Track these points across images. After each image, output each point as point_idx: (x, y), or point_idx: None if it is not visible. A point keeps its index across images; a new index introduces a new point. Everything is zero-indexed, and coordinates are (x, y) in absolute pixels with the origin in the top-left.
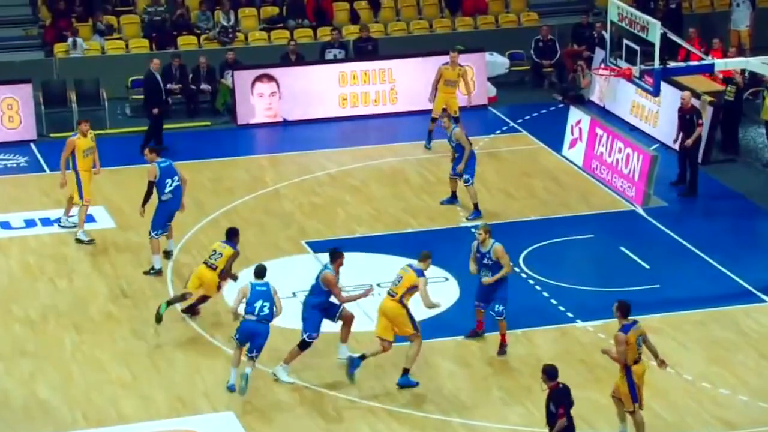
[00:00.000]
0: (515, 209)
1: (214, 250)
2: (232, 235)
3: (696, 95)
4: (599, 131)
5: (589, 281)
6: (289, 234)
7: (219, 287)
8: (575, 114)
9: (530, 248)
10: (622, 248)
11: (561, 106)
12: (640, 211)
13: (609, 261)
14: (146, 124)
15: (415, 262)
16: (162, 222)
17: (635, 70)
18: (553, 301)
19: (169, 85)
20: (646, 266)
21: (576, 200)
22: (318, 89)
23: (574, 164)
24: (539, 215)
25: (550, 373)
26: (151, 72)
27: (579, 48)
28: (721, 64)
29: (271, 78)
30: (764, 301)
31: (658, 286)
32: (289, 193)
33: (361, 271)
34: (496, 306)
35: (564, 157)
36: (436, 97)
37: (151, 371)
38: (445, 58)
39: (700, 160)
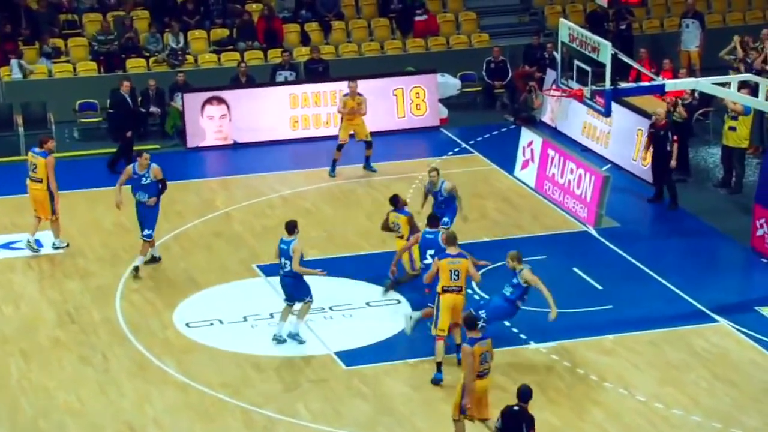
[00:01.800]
0: (468, 231)
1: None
2: (292, 228)
3: (647, 114)
4: (551, 152)
5: (542, 302)
6: (240, 257)
7: None
8: (527, 135)
9: (483, 270)
10: (575, 269)
11: (513, 127)
12: (593, 231)
13: (562, 282)
14: (95, 147)
15: (449, 250)
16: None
17: (586, 91)
18: (506, 323)
19: (152, 108)
20: (599, 287)
21: (528, 221)
22: (269, 111)
23: (527, 185)
24: (492, 237)
25: (525, 394)
26: (121, 95)
27: (530, 69)
28: (671, 84)
29: (221, 100)
30: (716, 321)
31: (610, 306)
32: (239, 216)
33: (313, 295)
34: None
35: (516, 178)
36: (342, 125)
37: (99, 398)
38: (395, 81)
39: (652, 180)
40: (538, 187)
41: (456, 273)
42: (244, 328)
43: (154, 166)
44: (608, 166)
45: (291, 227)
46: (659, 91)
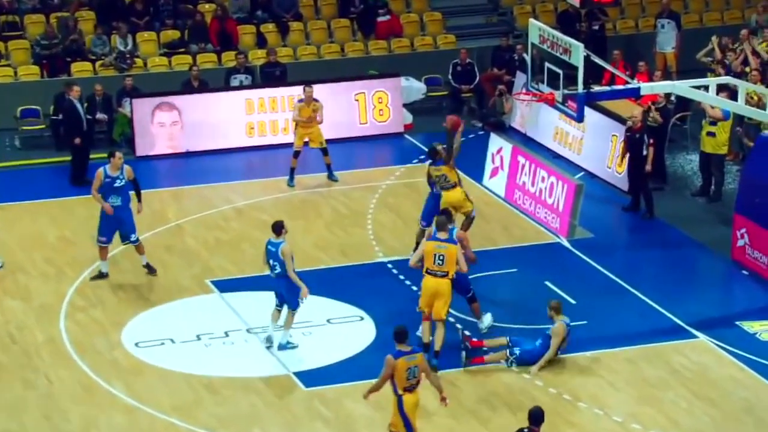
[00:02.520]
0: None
1: None
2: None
3: (621, 119)
4: (521, 159)
5: (513, 318)
6: (193, 272)
7: None
8: (496, 141)
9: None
10: (548, 283)
11: (481, 133)
12: (566, 243)
13: (534, 296)
14: (38, 157)
15: (439, 234)
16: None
17: (558, 95)
18: (474, 338)
19: (99, 115)
20: (573, 301)
21: (498, 232)
22: (223, 118)
23: (496, 194)
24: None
25: (537, 417)
26: (69, 100)
27: (499, 72)
28: (647, 87)
29: (172, 106)
30: (695, 336)
31: (585, 322)
32: (192, 228)
33: (270, 312)
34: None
35: (485, 187)
36: (296, 133)
37: (43, 424)
38: (357, 85)
39: (627, 189)
40: (508, 197)
41: (441, 258)
42: (197, 347)
43: (126, 166)
44: (581, 173)
45: (278, 228)
46: (634, 94)
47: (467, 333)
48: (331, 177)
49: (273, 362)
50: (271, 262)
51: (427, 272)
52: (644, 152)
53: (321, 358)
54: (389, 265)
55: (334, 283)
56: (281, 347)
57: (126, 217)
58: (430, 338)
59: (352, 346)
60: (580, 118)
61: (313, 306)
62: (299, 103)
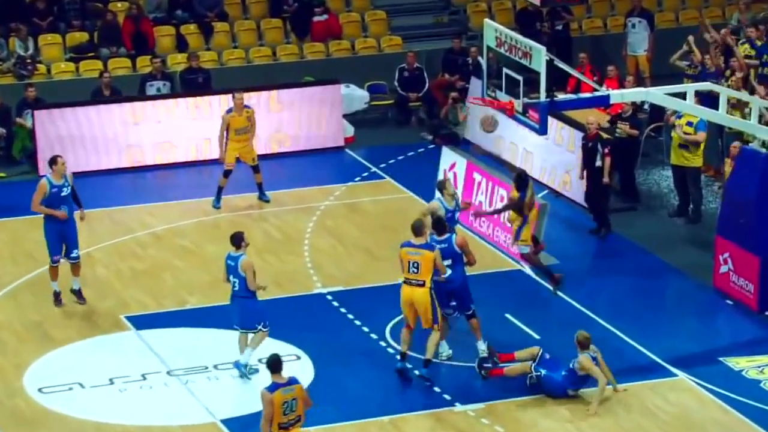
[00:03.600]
0: (378, 271)
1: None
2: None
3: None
4: (477, 176)
5: (469, 356)
6: (106, 307)
7: None
8: (449, 156)
9: (398, 317)
10: (508, 315)
11: (432, 147)
12: (528, 270)
13: (492, 331)
14: None
15: (414, 240)
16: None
17: (517, 104)
18: (428, 381)
19: None
20: (536, 336)
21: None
22: (137, 130)
23: None
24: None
25: None
26: None
27: (451, 78)
28: (617, 95)
29: (80, 117)
30: (674, 375)
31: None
32: (103, 257)
33: (195, 351)
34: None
35: None
36: (227, 148)
37: None
38: (291, 94)
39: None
40: (463, 219)
41: (416, 265)
42: (110, 392)
43: (68, 172)
44: (545, 192)
45: (237, 240)
46: (603, 103)
47: (491, 348)
48: (262, 197)
49: (197, 409)
50: (230, 277)
51: (403, 281)
52: (598, 163)
53: (252, 404)
54: (329, 297)
55: (269, 317)
56: (237, 366)
57: (72, 229)
58: (408, 348)
59: None
60: (543, 131)
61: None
62: (228, 114)
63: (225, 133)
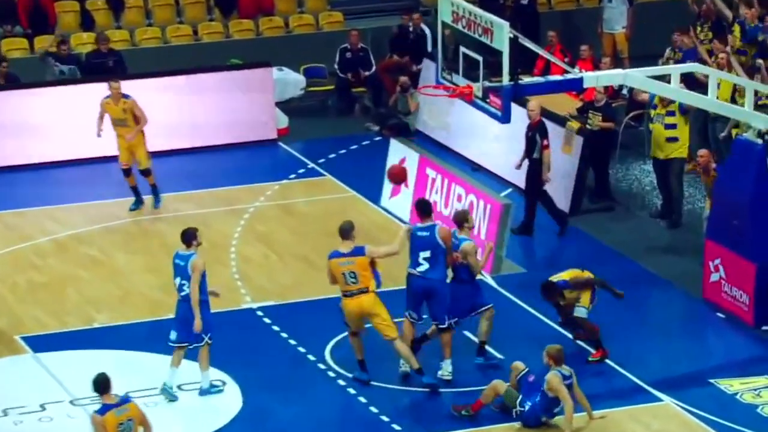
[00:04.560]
0: (317, 282)
1: None
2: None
3: (559, 119)
4: (431, 173)
5: (419, 381)
6: None
7: None
8: (398, 150)
9: (341, 335)
10: (466, 333)
11: (378, 139)
12: (490, 280)
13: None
14: None
15: (341, 247)
16: None
17: (477, 89)
18: (374, 409)
19: None
20: (500, 356)
21: (402, 267)
22: (37, 122)
23: (398, 219)
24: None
25: None
26: None
27: (401, 60)
28: (591, 78)
29: None
30: (659, 399)
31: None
32: None
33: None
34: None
35: (384, 209)
36: (118, 145)
37: None
38: (214, 78)
39: (568, 209)
40: (414, 222)
41: (352, 275)
42: (3, 425)
43: None
44: (509, 190)
45: (189, 237)
46: (575, 87)
47: (455, 405)
48: (155, 202)
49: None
50: (178, 280)
51: (344, 295)
52: (535, 155)
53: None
54: (259, 313)
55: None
56: (204, 393)
57: None
58: (362, 355)
59: (212, 421)
60: (505, 119)
61: (155, 367)
62: (104, 100)
63: (100, 120)
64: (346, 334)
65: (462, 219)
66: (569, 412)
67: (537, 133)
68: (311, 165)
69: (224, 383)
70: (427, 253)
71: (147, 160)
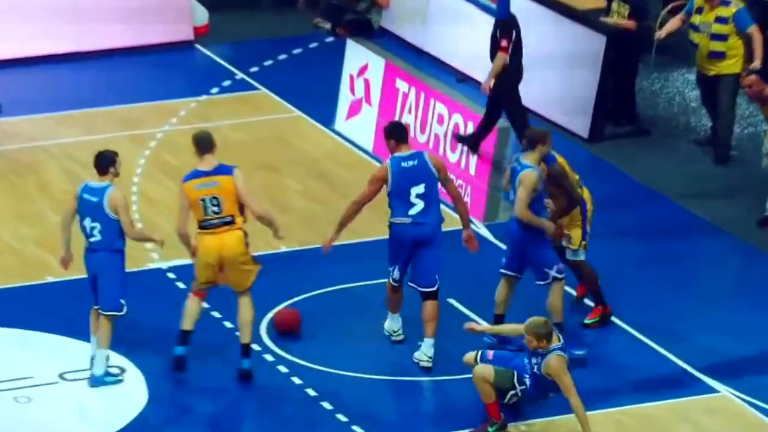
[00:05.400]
0: (255, 234)
1: None
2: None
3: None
4: (402, 85)
5: (389, 366)
6: None
7: None
8: (357, 54)
9: (279, 307)
10: (451, 300)
11: (331, 40)
12: (483, 230)
13: (416, 324)
14: None
15: (201, 164)
16: None
17: None
18: (326, 405)
19: None
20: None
21: (364, 214)
22: None
23: (358, 147)
24: (296, 244)
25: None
26: None
27: None
28: None
29: None
30: (714, 390)
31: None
32: None
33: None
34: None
35: (338, 134)
36: None
37: None
38: None
39: (587, 133)
40: (380, 151)
41: (214, 201)
42: None
43: None
44: None
45: (105, 162)
46: None
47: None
48: None
49: None
50: (88, 222)
51: (201, 227)
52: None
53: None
54: (170, 275)
55: (73, 307)
56: (95, 381)
57: None
58: (194, 323)
59: (109, 421)
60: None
61: (36, 350)
62: None
63: None
64: (286, 303)
65: (542, 137)
66: (580, 406)
67: (499, 29)
68: (240, 75)
69: (123, 370)
70: (420, 188)
71: None
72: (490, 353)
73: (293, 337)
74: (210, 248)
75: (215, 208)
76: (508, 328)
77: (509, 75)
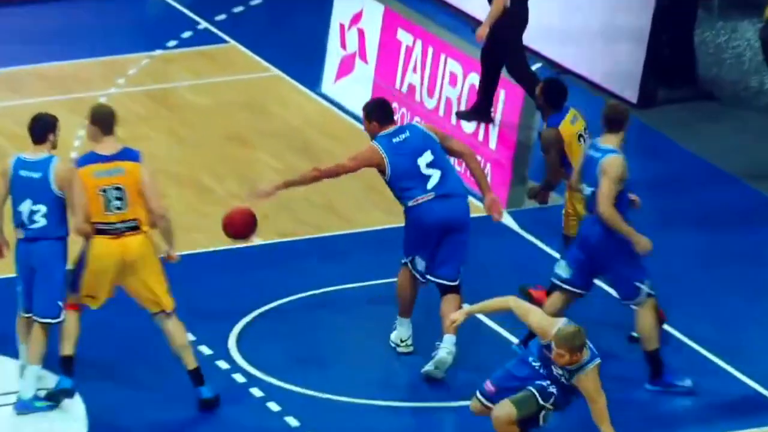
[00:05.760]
0: (216, 220)
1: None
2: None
3: None
4: (406, 38)
5: (392, 389)
6: None
7: None
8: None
9: (253, 314)
10: (466, 306)
11: None
12: (507, 218)
13: (434, 330)
14: None
15: (101, 146)
16: None
17: None
18: (293, 422)
19: None
20: (515, 340)
21: (358, 195)
22: None
23: (350, 114)
24: (274, 236)
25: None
26: None
27: None
28: None
29: None
30: None
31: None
32: None
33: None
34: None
35: (326, 98)
36: None
37: None
38: None
39: (636, 97)
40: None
41: (118, 193)
42: None
43: None
44: (538, 65)
45: (43, 128)
46: None
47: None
48: None
49: None
50: (28, 205)
51: (98, 232)
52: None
53: None
54: None
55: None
56: (22, 407)
57: None
58: (74, 348)
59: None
60: None
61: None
62: None
63: None
64: (259, 311)
65: (626, 114)
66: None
67: None
68: (203, 24)
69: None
70: (427, 156)
71: None
72: (488, 384)
73: (268, 346)
74: (107, 257)
75: (118, 203)
76: (495, 303)
77: (510, 20)
